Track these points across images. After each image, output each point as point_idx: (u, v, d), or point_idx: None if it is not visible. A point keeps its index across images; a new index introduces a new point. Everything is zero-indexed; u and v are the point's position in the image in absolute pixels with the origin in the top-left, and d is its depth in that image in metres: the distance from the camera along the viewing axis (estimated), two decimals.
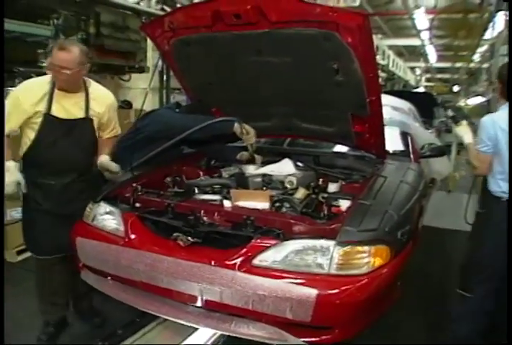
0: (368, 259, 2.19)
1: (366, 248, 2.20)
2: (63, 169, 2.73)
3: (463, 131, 2.81)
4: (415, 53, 21.84)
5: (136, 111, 5.63)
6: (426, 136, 4.49)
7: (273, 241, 2.26)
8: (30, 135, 2.64)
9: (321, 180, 3.18)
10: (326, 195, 2.87)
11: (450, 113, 2.92)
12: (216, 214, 2.58)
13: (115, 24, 5.25)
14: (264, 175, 3.15)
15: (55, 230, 2.74)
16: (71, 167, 2.76)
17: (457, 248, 4.39)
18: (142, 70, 5.98)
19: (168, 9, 5.98)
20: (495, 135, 2.53)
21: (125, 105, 5.84)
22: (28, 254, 3.95)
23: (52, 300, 2.92)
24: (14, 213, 3.86)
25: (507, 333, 2.38)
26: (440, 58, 23.02)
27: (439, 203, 5.96)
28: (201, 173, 3.46)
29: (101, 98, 2.79)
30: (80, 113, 2.69)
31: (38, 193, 2.70)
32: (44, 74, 2.75)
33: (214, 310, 2.33)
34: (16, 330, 2.85)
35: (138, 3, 5.71)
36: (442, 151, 4.02)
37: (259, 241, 2.28)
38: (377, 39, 14.96)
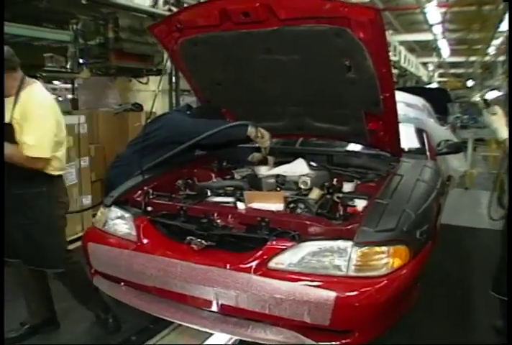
0: (387, 259, 2.13)
1: (384, 248, 2.14)
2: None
3: (498, 123, 2.45)
4: (427, 48, 21.60)
5: (147, 113, 5.65)
6: (441, 132, 4.40)
7: (289, 243, 2.21)
8: None
9: (335, 179, 3.12)
10: (341, 195, 2.80)
11: (479, 98, 2.64)
12: (229, 217, 2.53)
13: (133, 27, 5.28)
14: (277, 176, 3.10)
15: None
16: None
17: (477, 246, 4.32)
18: (159, 72, 5.98)
19: (175, 10, 5.97)
20: None
21: (135, 107, 5.83)
22: None
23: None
24: None
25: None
26: (453, 52, 22.73)
27: (456, 200, 5.92)
28: (213, 175, 3.42)
29: (24, 103, 2.40)
30: (7, 118, 2.40)
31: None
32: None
33: (230, 314, 2.29)
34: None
35: (153, 6, 5.77)
36: (459, 147, 3.93)
37: (274, 243, 2.24)
38: (388, 35, 14.67)
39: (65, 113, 5.66)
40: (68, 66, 5.12)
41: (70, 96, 9.31)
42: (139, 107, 5.90)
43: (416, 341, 2.81)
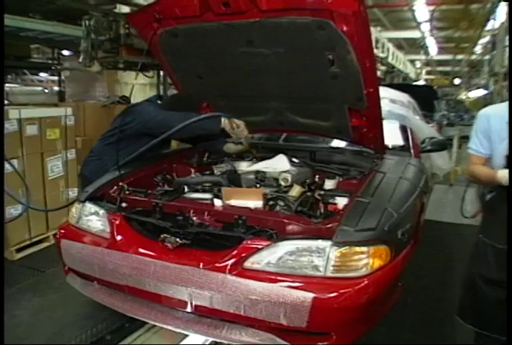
0: (367, 260, 2.07)
1: (364, 249, 2.08)
2: None
3: None
4: (415, 46, 21.63)
5: None
6: (426, 129, 4.33)
7: (266, 242, 2.14)
8: None
9: (317, 176, 3.06)
10: (322, 193, 2.74)
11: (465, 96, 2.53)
12: (205, 214, 2.45)
13: None
14: (257, 172, 3.03)
15: None
16: None
17: (460, 241, 4.30)
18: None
19: None
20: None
21: (123, 100, 5.82)
22: (28, 252, 4.01)
23: None
24: (12, 210, 3.84)
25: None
26: (441, 50, 22.83)
27: (440, 196, 5.97)
28: (192, 170, 3.33)
29: None
30: None
31: None
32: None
33: (205, 315, 2.21)
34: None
35: None
36: (444, 145, 3.88)
37: (250, 242, 2.16)
38: (376, 32, 14.79)
39: (52, 105, 5.64)
40: (80, 60, 5.34)
41: (56, 88, 9.24)
42: (126, 100, 5.86)
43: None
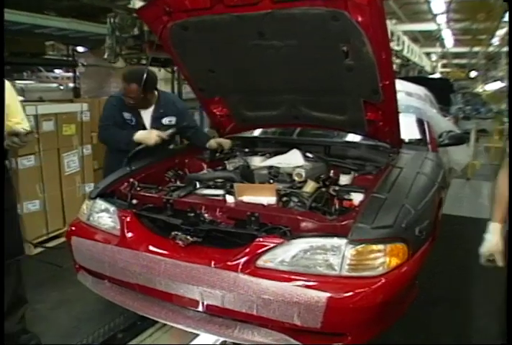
0: (383, 258, 2.00)
1: (381, 247, 2.01)
2: None
3: None
4: (431, 38, 21.33)
5: None
6: (443, 123, 4.23)
7: (279, 240, 2.08)
8: None
9: (331, 171, 2.99)
10: (337, 188, 2.67)
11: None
12: (217, 211, 2.40)
13: None
14: (270, 167, 2.97)
15: None
16: None
17: (479, 236, 4.21)
18: None
19: None
20: None
21: None
22: (45, 247, 4.05)
23: None
24: (30, 205, 3.91)
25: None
26: (457, 43, 22.44)
27: (458, 191, 5.89)
28: (205, 166, 3.28)
29: None
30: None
31: None
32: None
33: (216, 314, 2.16)
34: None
35: None
36: (462, 139, 3.78)
37: (263, 239, 2.10)
38: (391, 25, 14.56)
39: (67, 101, 5.67)
40: (105, 56, 5.53)
41: (71, 85, 9.28)
42: None
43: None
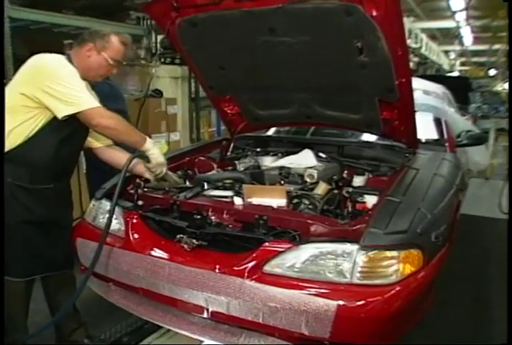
0: (397, 266, 1.90)
1: (394, 253, 1.91)
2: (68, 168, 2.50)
3: None
4: (449, 36, 21.05)
5: (168, 99, 5.88)
6: (462, 122, 4.11)
7: (287, 245, 1.99)
8: (32, 125, 2.20)
9: (345, 172, 2.89)
10: (350, 190, 2.57)
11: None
12: (224, 213, 2.31)
13: None
14: (281, 168, 2.87)
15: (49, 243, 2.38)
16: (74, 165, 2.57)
17: (497, 237, 4.10)
18: None
19: None
20: None
21: (156, 94, 5.81)
22: None
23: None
24: None
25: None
26: (476, 40, 22.12)
27: (476, 190, 5.74)
28: (215, 166, 3.20)
29: None
30: None
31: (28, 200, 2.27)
32: None
33: (222, 321, 2.08)
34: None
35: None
36: (481, 139, 3.66)
37: (271, 244, 2.01)
38: (409, 22, 14.37)
39: None
40: (142, 56, 5.80)
41: None
42: (159, 93, 5.88)
43: None
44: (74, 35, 6.01)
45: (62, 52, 2.35)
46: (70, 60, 2.28)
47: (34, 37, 5.90)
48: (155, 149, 2.42)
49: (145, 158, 2.44)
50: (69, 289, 2.53)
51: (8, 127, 2.17)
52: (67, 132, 2.26)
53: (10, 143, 2.19)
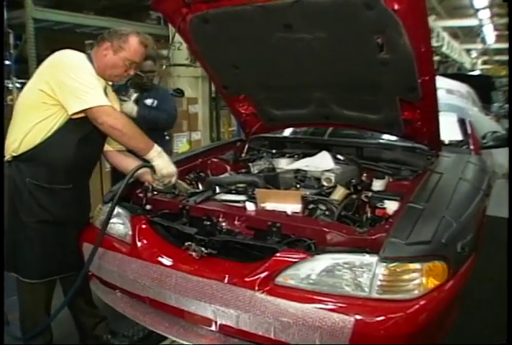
0: (420, 279, 1.75)
1: (417, 266, 1.76)
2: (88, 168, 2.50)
3: None
4: (471, 34, 20.71)
5: (189, 99, 6.03)
6: (487, 123, 3.94)
7: (302, 255, 1.86)
8: (51, 124, 2.20)
9: (364, 175, 2.75)
10: (369, 194, 2.43)
11: None
12: (236, 219, 2.19)
13: None
14: (297, 171, 2.75)
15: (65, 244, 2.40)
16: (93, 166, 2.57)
17: None
18: None
19: None
20: None
21: (177, 93, 5.68)
22: None
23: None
24: None
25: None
26: (499, 39, 21.75)
27: (500, 191, 5.55)
28: (228, 168, 3.08)
29: None
30: None
31: (46, 200, 2.28)
32: None
33: (231, 335, 1.96)
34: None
35: None
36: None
37: (284, 254, 1.88)
38: (430, 21, 14.12)
39: None
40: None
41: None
42: (180, 92, 5.76)
43: None
44: (95, 35, 6.08)
45: (84, 52, 2.35)
46: (90, 59, 2.29)
47: (57, 37, 5.98)
48: (159, 160, 2.30)
49: (152, 168, 2.34)
50: (87, 290, 2.54)
51: (29, 124, 2.19)
52: (85, 132, 2.26)
53: (30, 141, 2.20)
